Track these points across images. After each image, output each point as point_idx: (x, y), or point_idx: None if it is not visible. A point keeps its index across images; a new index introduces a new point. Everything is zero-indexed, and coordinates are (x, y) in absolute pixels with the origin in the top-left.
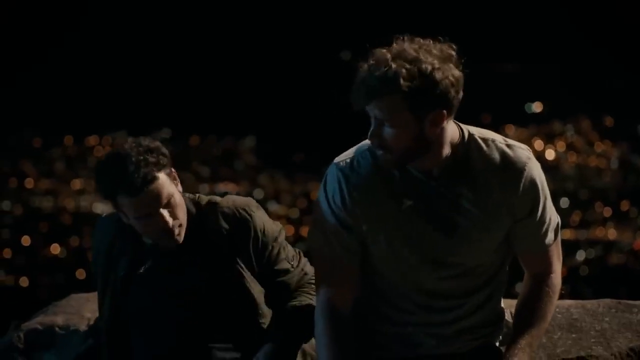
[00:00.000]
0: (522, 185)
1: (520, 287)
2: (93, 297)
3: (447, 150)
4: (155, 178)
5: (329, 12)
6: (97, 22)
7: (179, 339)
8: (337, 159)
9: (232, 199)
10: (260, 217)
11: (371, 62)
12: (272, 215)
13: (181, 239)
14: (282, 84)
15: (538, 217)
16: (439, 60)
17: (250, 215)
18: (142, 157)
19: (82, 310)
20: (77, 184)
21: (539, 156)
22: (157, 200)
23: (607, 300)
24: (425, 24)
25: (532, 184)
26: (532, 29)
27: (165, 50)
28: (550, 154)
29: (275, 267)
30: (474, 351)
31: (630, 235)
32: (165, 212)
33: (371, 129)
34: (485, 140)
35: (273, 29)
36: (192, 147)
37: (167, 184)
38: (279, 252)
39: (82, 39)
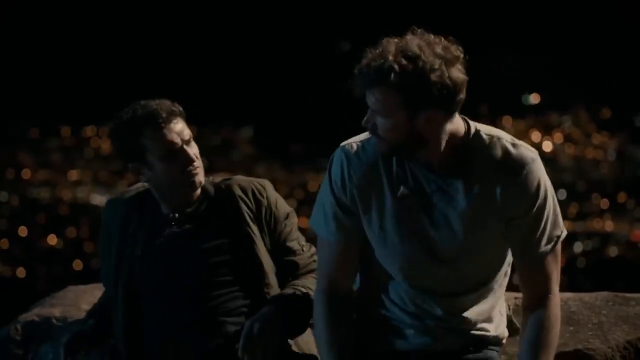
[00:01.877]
0: (520, 183)
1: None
2: (90, 289)
3: (448, 145)
4: (177, 114)
5: (327, 2)
6: (93, 15)
7: (191, 306)
8: (345, 142)
9: (246, 177)
10: (274, 193)
11: (375, 51)
12: None
13: (201, 180)
14: (280, 74)
15: (533, 219)
16: (441, 60)
17: (264, 187)
18: (162, 100)
19: (79, 302)
20: (74, 174)
21: (537, 148)
22: (180, 133)
23: (605, 293)
24: (422, 13)
25: (532, 184)
26: (529, 20)
27: (162, 41)
28: (547, 146)
29: (287, 244)
30: (466, 351)
31: (627, 227)
32: (188, 149)
33: (366, 115)
34: (490, 136)
35: (270, 19)
36: None
37: (186, 127)
38: (290, 231)
39: (80, 31)
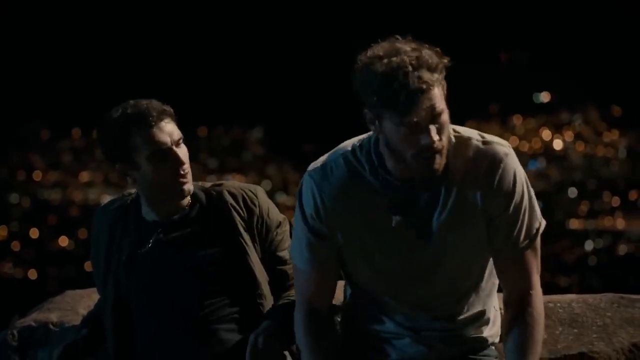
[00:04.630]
0: (496, 181)
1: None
2: (88, 293)
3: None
4: (167, 114)
5: (339, 2)
6: (104, 15)
7: (183, 316)
8: (310, 167)
9: (238, 182)
10: (266, 200)
11: (389, 60)
12: (281, 206)
13: (190, 189)
14: (290, 74)
15: (511, 215)
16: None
17: (256, 195)
18: (153, 100)
19: (77, 306)
20: (85, 176)
21: (547, 146)
22: (171, 133)
23: (610, 295)
24: (432, 15)
25: (507, 180)
26: (540, 19)
27: (171, 41)
28: (558, 144)
29: (278, 254)
30: (464, 357)
31: (639, 225)
32: (178, 150)
33: (430, 133)
34: (459, 137)
35: (281, 19)
36: (200, 138)
37: (176, 128)
38: (282, 240)
39: (89, 32)
